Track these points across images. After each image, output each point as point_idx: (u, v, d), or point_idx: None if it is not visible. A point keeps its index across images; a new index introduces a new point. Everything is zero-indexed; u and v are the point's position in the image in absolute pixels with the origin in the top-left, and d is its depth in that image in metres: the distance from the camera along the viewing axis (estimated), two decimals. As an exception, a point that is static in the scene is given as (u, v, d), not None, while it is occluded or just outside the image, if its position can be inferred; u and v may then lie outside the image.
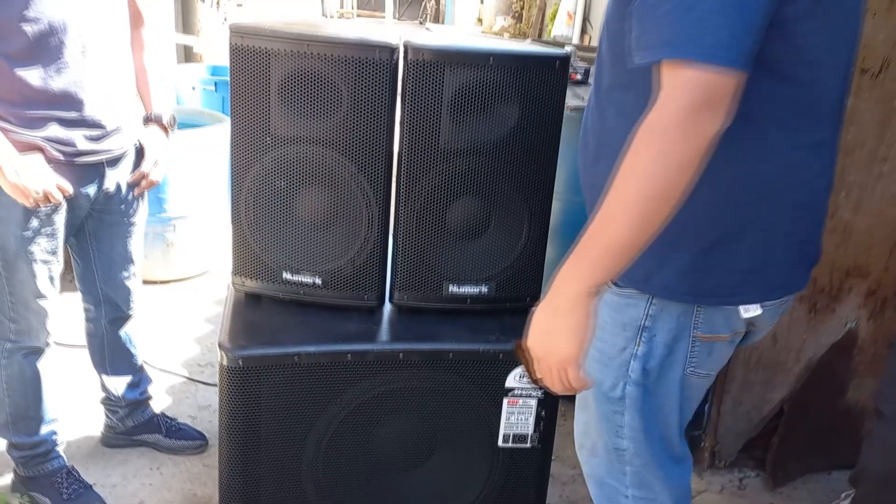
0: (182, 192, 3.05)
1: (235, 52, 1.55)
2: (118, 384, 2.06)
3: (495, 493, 1.75)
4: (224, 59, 4.53)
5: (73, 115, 1.63)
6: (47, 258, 1.71)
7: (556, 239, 1.87)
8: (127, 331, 2.02)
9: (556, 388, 1.13)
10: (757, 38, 0.95)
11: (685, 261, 1.14)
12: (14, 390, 1.79)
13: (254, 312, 1.70)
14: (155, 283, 3.10)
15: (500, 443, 1.70)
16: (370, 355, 1.59)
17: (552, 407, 1.72)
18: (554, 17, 4.48)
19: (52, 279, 1.74)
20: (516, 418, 1.70)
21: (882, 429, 1.28)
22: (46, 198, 1.60)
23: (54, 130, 1.61)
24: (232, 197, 1.66)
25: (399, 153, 1.62)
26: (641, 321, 1.21)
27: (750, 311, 1.17)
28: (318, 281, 1.69)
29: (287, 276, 1.69)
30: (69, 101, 1.62)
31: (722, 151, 0.98)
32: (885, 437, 1.27)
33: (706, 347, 1.22)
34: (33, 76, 1.56)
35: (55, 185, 1.61)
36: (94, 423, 2.19)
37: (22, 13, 1.50)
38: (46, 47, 1.55)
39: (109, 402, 2.10)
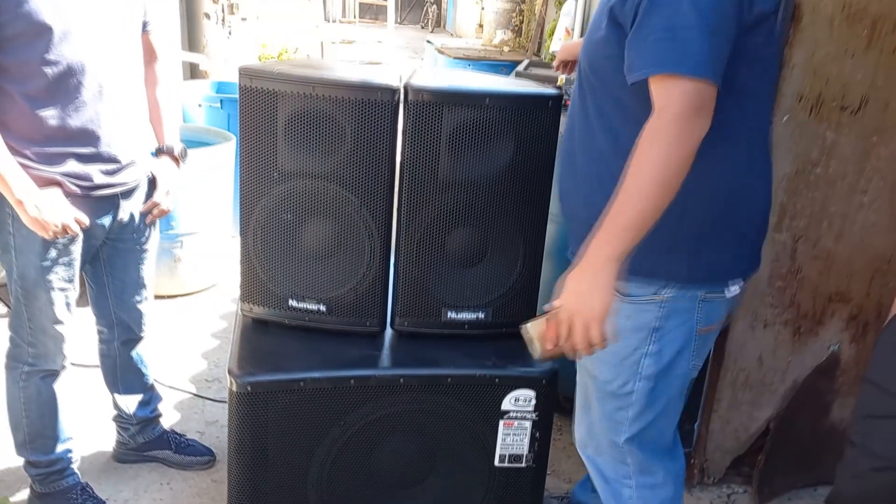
0: (189, 209, 3.14)
1: (245, 92, 1.63)
2: (129, 402, 2.14)
3: (492, 510, 1.83)
4: (230, 76, 4.61)
5: (89, 150, 1.72)
6: (64, 286, 1.79)
7: (551, 260, 1.94)
8: (138, 351, 2.10)
9: (580, 345, 1.29)
10: (725, 59, 1.20)
11: (683, 250, 1.37)
12: (31, 411, 1.87)
13: (261, 338, 1.78)
14: (163, 297, 3.19)
15: (496, 463, 1.77)
16: (372, 380, 1.67)
17: (546, 428, 1.80)
18: (552, 33, 4.56)
19: (68, 305, 1.82)
20: (512, 439, 1.78)
21: (853, 456, 1.36)
22: (64, 230, 1.68)
23: (72, 166, 1.70)
24: (241, 228, 1.74)
25: (400, 186, 1.70)
26: (654, 323, 1.42)
27: (733, 290, 1.42)
28: (323, 308, 1.77)
29: (293, 303, 1.77)
30: (86, 137, 1.70)
31: (706, 160, 1.23)
32: (855, 464, 1.35)
33: (703, 340, 1.48)
34: (52, 115, 1.64)
35: (73, 217, 1.69)
36: (105, 439, 2.27)
37: (43, 56, 1.59)
38: (65, 88, 1.64)
39: (121, 419, 2.18)
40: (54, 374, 1.88)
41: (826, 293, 1.93)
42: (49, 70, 1.61)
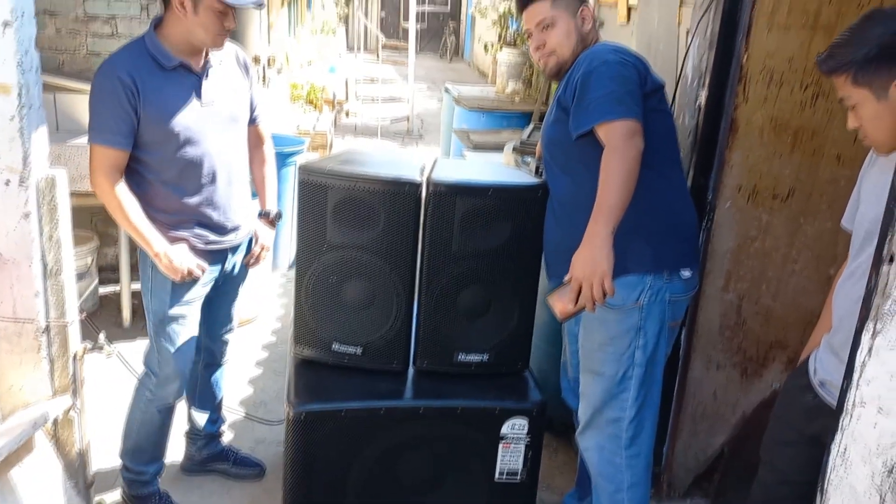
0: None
1: (303, 184, 2.11)
2: (201, 418, 2.61)
3: (492, 515, 2.26)
4: (270, 129, 5.08)
5: (205, 220, 2.24)
6: (186, 322, 2.28)
7: (544, 303, 2.34)
8: (217, 375, 2.59)
9: (597, 296, 1.77)
10: (640, 106, 1.84)
11: (644, 244, 1.93)
12: (143, 431, 2.36)
13: (310, 374, 2.23)
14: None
15: (496, 477, 2.20)
16: (398, 410, 2.12)
17: (537, 448, 2.22)
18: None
19: (191, 340, 2.30)
20: (509, 458, 2.21)
21: (762, 473, 1.78)
22: (189, 273, 2.17)
23: (194, 230, 2.22)
24: (296, 286, 2.20)
25: (421, 256, 2.16)
26: (639, 323, 1.97)
27: (685, 274, 1.99)
28: (359, 350, 2.22)
29: (336, 346, 2.23)
30: (202, 210, 2.22)
31: (655, 178, 1.91)
32: (764, 479, 1.78)
33: (671, 332, 2.07)
34: (178, 195, 2.17)
35: (196, 264, 2.19)
36: (176, 454, 2.72)
37: (172, 154, 2.12)
38: (188, 176, 2.17)
39: (192, 433, 2.64)
40: (170, 408, 2.36)
41: (767, 341, 2.36)
42: (176, 164, 2.14)
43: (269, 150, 2.49)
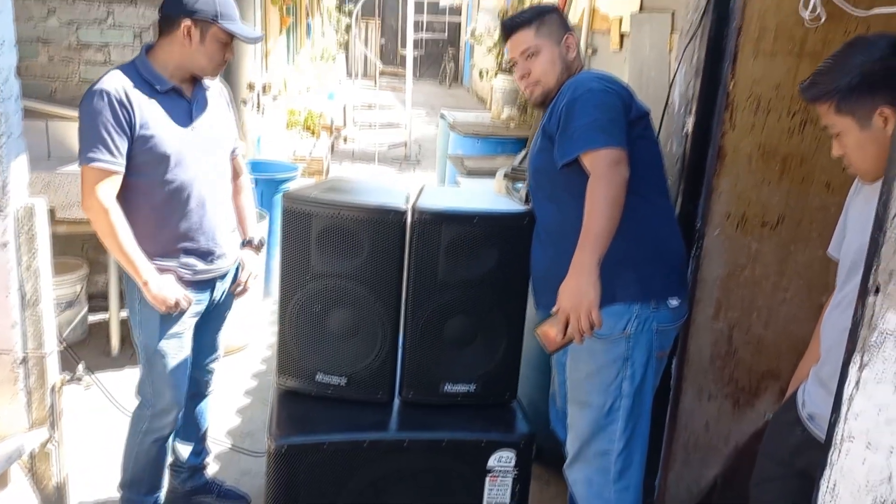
0: (227, 281, 3.59)
1: (286, 212, 2.08)
2: (185, 450, 2.56)
3: (479, 550, 2.20)
4: (264, 155, 5.09)
5: (193, 246, 2.21)
6: (177, 353, 2.24)
7: (530, 333, 2.30)
8: (202, 406, 2.54)
9: (584, 328, 1.73)
10: (623, 134, 1.82)
11: (632, 272, 1.91)
12: (139, 462, 2.32)
13: (293, 406, 2.19)
14: (201, 358, 3.62)
15: (483, 511, 2.16)
16: (382, 443, 2.08)
17: (525, 480, 2.17)
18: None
19: (182, 371, 2.26)
20: (497, 491, 2.16)
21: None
22: (176, 304, 2.14)
23: (181, 258, 2.19)
24: (279, 316, 2.17)
25: (407, 285, 2.13)
26: (625, 353, 1.93)
27: (673, 303, 1.95)
28: (344, 381, 2.19)
29: (319, 377, 2.19)
30: (190, 237, 2.20)
31: (641, 205, 1.88)
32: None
33: (659, 363, 2.02)
34: (168, 221, 2.15)
35: (183, 295, 2.16)
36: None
37: (163, 177, 2.11)
38: (178, 200, 2.15)
39: (176, 465, 2.59)
40: (164, 438, 2.32)
41: (759, 371, 2.32)
42: (166, 187, 2.12)
43: (246, 181, 2.50)
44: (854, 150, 1.46)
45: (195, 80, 2.20)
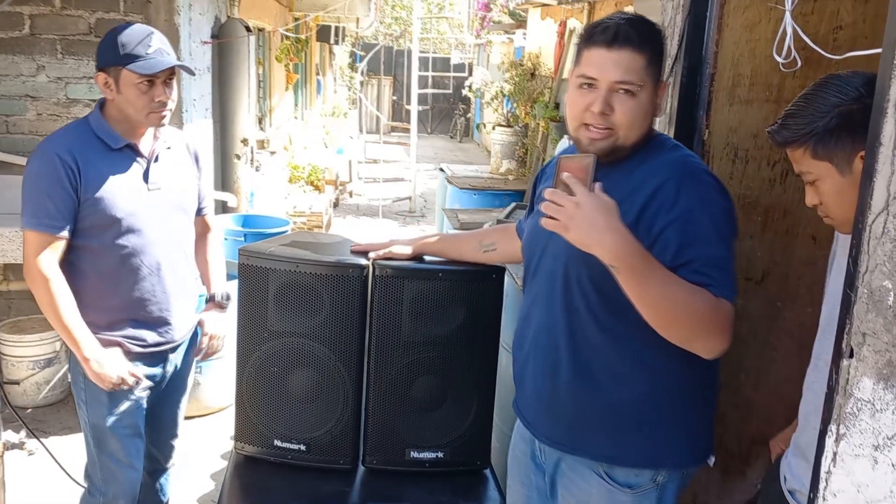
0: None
1: (243, 268, 1.99)
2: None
3: None
4: (257, 209, 5.04)
5: (144, 316, 2.08)
6: (129, 433, 2.10)
7: (502, 390, 2.12)
8: (162, 481, 2.38)
9: (562, 217, 1.28)
10: None
11: (675, 436, 1.57)
12: None
13: (250, 474, 2.06)
14: (181, 418, 3.50)
15: (451, 589, 2.00)
16: (341, 515, 1.94)
17: (498, 559, 2.02)
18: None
19: (136, 452, 2.12)
20: (466, 567, 2.01)
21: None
22: (122, 382, 2.00)
23: (129, 330, 2.06)
24: (237, 377, 2.06)
25: (369, 344, 2.02)
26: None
27: (712, 459, 1.66)
28: (303, 447, 2.05)
29: (278, 442, 2.06)
30: (142, 306, 2.07)
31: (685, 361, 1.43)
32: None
33: None
34: (116, 288, 2.02)
35: (128, 371, 2.01)
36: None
37: (113, 241, 1.99)
38: (129, 266, 2.03)
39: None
40: None
41: (749, 436, 2.16)
42: (116, 252, 2.01)
43: (214, 238, 2.39)
44: (832, 198, 1.35)
45: (154, 136, 2.10)
